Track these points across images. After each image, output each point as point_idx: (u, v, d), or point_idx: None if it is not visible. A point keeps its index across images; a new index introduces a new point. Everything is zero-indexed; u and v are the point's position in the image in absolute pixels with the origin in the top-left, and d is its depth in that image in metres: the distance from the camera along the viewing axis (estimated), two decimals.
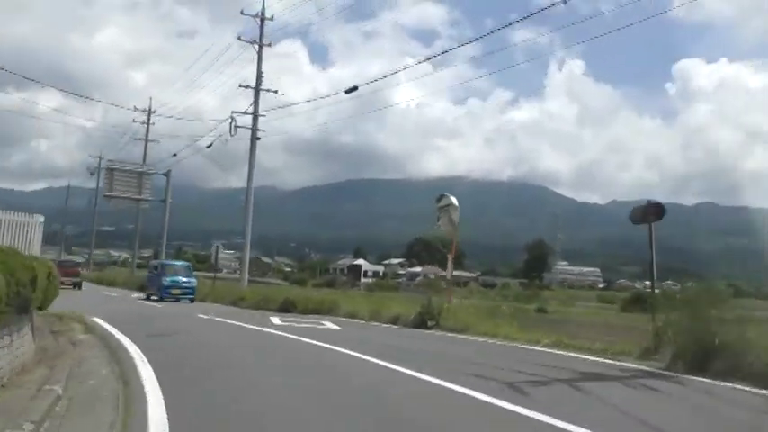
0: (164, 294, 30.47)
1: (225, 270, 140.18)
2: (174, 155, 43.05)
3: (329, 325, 18.16)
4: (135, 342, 12.04)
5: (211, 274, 36.35)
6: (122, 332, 13.93)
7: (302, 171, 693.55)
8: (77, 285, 40.43)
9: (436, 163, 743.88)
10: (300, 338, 13.52)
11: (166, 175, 42.74)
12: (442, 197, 19.12)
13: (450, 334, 16.15)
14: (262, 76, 31.27)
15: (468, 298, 31.60)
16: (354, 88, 24.28)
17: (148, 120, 51.77)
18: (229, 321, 18.40)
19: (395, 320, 19.04)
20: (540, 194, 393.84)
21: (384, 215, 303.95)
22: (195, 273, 34.09)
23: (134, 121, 52.51)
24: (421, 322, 17.67)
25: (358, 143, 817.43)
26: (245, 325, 17.15)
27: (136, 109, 52.66)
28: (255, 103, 31.04)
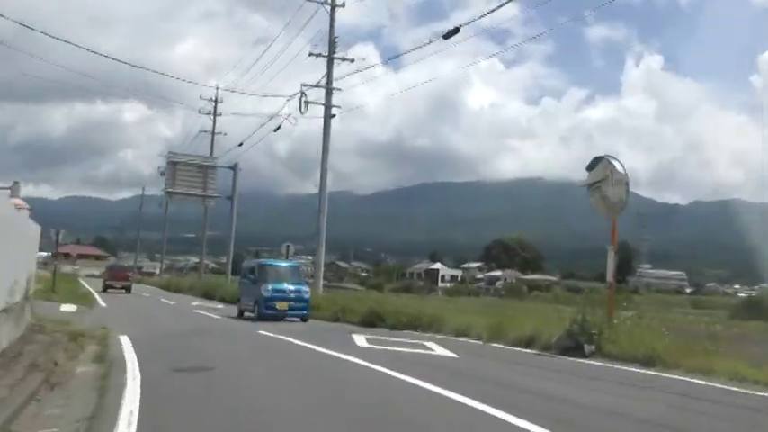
0: (264, 310, 20.83)
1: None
2: (240, 144, 38.32)
3: (437, 349, 12.61)
4: (146, 387, 7.29)
5: None
6: (141, 363, 9.17)
7: (377, 175, 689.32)
8: (127, 289, 40.01)
9: (510, 164, 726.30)
10: (411, 381, 8.08)
11: (233, 168, 38.34)
12: (596, 162, 13.06)
13: (636, 369, 10.29)
14: (335, 43, 26.02)
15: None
16: (456, 30, 18.88)
17: (215, 112, 47.65)
18: (299, 343, 13.11)
19: (528, 342, 13.26)
20: None
21: (458, 218, 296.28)
22: None
23: (200, 112, 48.31)
24: (573, 346, 11.93)
25: (431, 146, 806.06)
26: (321, 349, 11.81)
27: (202, 98, 48.74)
28: (329, 74, 25.58)
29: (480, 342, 14.33)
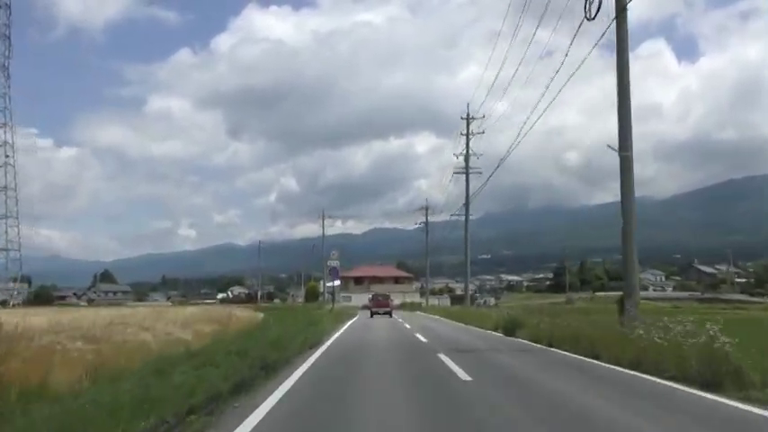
0: None
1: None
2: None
3: None
4: None
5: None
6: None
7: (676, 176, 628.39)
8: (389, 314, 44.44)
9: None
10: None
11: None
12: None
13: None
14: None
15: None
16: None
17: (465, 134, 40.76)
18: None
19: None
20: None
21: None
22: (602, 293, 20.15)
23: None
24: None
25: (739, 138, 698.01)
26: None
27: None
28: None
29: None
